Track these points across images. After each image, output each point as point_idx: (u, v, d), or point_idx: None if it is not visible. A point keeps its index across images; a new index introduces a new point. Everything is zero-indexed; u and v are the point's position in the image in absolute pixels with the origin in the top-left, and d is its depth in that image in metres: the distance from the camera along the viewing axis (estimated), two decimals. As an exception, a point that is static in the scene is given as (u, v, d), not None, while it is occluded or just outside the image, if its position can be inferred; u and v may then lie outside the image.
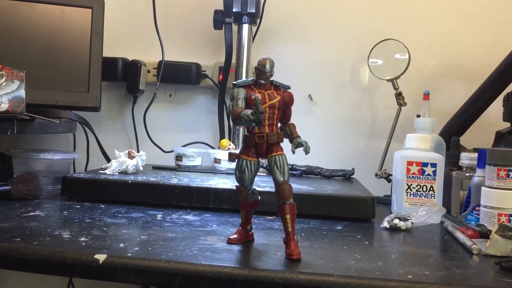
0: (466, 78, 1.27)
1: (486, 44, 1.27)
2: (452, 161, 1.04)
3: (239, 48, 1.23)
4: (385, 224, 0.82)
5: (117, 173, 0.98)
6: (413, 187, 0.93)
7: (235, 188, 0.65)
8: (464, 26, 1.28)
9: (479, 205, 0.82)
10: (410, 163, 0.93)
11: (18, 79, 0.90)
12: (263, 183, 0.91)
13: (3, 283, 1.32)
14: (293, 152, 0.63)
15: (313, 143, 0.66)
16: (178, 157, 1.13)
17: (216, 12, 1.22)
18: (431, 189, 0.92)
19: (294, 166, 1.18)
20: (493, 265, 0.62)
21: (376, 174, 1.15)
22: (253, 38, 1.28)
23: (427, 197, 0.93)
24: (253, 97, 0.60)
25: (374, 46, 1.18)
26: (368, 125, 1.31)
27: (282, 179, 0.60)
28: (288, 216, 0.59)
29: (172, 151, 1.20)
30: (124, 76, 1.30)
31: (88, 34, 1.17)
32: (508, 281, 0.56)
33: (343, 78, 1.32)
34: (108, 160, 1.16)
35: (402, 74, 1.16)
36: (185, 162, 1.12)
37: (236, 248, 0.63)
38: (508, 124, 1.07)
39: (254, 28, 1.28)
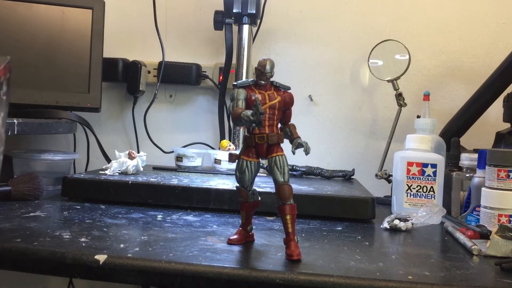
0: (466, 79, 1.27)
1: (486, 45, 1.27)
2: (452, 162, 1.04)
3: (240, 48, 1.23)
4: (385, 224, 0.82)
5: (117, 174, 0.98)
6: (413, 188, 0.93)
7: (235, 188, 0.65)
8: (464, 26, 1.28)
9: (479, 206, 0.82)
10: (410, 164, 0.93)
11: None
12: (263, 184, 0.91)
13: (3, 283, 1.32)
14: (293, 153, 0.63)
15: (313, 143, 0.66)
16: (179, 158, 1.13)
17: (217, 12, 1.22)
18: (431, 189, 0.92)
19: (294, 167, 1.18)
20: (493, 266, 0.62)
21: (376, 175, 1.15)
22: (254, 39, 1.28)
23: (427, 198, 0.93)
24: (253, 97, 0.60)
25: (375, 46, 1.18)
26: (368, 126, 1.31)
27: (282, 179, 0.60)
28: (288, 217, 0.59)
29: (172, 152, 1.20)
30: (124, 76, 1.30)
31: (89, 34, 1.17)
32: (508, 282, 0.56)
33: (343, 79, 1.32)
34: (109, 160, 1.16)
35: (402, 74, 1.16)
36: (186, 162, 1.12)
37: (236, 248, 0.63)
38: (508, 125, 1.08)
39: (255, 29, 1.28)
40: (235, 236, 0.66)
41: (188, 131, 1.36)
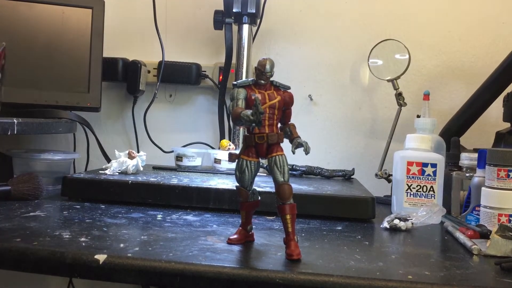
0: (466, 79, 1.27)
1: (486, 45, 1.27)
2: (452, 162, 1.04)
3: (239, 48, 1.22)
4: (385, 224, 0.82)
5: (117, 173, 0.98)
6: (413, 188, 0.93)
7: (235, 188, 0.65)
8: (464, 26, 1.28)
9: (479, 206, 0.82)
10: (410, 163, 0.93)
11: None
12: (263, 183, 0.91)
13: (3, 283, 1.32)
14: (293, 152, 0.63)
15: (313, 143, 0.66)
16: (178, 157, 1.13)
17: (216, 12, 1.22)
18: (431, 189, 0.92)
19: (294, 166, 1.18)
20: (493, 266, 0.62)
21: (376, 175, 1.15)
22: (253, 38, 1.28)
23: (427, 198, 0.93)
24: (253, 97, 0.60)
25: (374, 46, 1.18)
26: (368, 125, 1.31)
27: (282, 179, 0.60)
28: (288, 216, 0.59)
29: (172, 151, 1.20)
30: (124, 76, 1.30)
31: (88, 34, 1.17)
32: (508, 282, 0.56)
33: (343, 78, 1.32)
34: (108, 160, 1.16)
35: (402, 74, 1.16)
36: (185, 162, 1.12)
37: (236, 248, 0.63)
38: (508, 125, 1.07)
39: (254, 29, 1.28)
40: (235, 236, 0.66)
41: (188, 131, 1.36)
